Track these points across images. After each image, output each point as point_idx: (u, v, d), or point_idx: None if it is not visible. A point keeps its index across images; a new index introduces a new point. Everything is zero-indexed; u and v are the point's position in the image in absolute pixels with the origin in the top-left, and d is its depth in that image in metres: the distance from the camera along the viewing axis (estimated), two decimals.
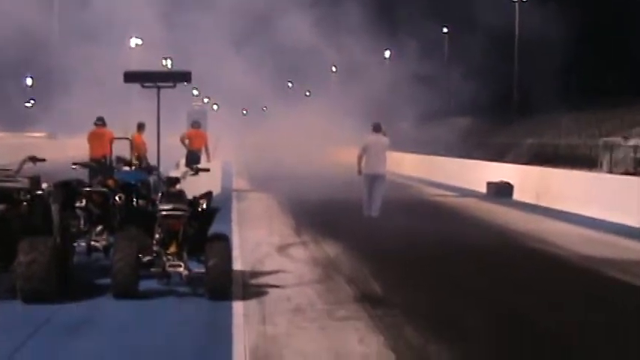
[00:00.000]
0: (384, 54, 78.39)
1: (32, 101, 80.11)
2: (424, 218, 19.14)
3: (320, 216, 18.83)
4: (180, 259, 9.51)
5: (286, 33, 54.68)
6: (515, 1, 66.71)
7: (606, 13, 59.09)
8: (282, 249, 13.60)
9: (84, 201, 11.10)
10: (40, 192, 9.76)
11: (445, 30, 77.49)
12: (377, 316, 8.85)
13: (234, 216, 18.23)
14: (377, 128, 18.73)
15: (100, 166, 16.81)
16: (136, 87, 19.97)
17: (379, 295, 10.21)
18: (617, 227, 17.79)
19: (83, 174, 14.23)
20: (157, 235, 9.65)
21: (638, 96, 52.40)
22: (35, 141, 56.00)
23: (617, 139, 43.18)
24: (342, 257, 12.94)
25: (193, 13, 53.55)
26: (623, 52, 60.54)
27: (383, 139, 18.63)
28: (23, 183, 9.62)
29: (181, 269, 9.45)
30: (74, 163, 12.72)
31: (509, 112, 67.23)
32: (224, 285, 9.36)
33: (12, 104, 68.59)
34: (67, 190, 10.81)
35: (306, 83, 72.72)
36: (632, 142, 42.09)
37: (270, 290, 10.03)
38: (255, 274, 11.19)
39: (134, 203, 11.23)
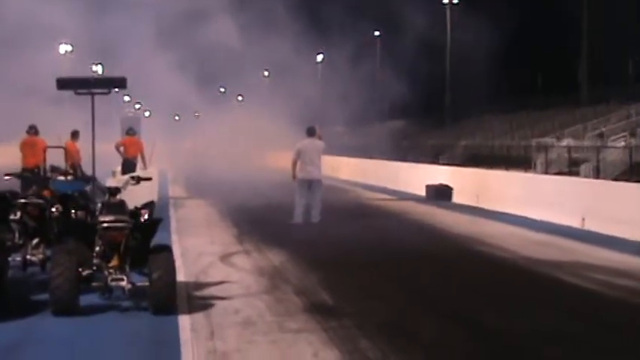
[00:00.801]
0: (316, 58, 78.43)
1: None
2: (365, 223, 18.91)
3: (260, 222, 18.50)
4: (123, 272, 9.10)
5: (216, 37, 54.23)
6: (445, 5, 67.38)
7: (534, 14, 59.73)
8: (225, 258, 13.23)
9: (18, 213, 10.60)
10: None
11: (377, 33, 77.77)
12: (330, 328, 8.56)
13: (173, 225, 17.77)
14: (311, 132, 18.43)
15: (34, 176, 16.24)
16: (67, 93, 19.37)
17: (330, 304, 9.92)
18: (558, 228, 17.81)
19: (15, 185, 13.65)
20: (97, 248, 9.21)
21: (566, 96, 53.23)
22: None
23: (550, 140, 43.68)
24: (287, 265, 12.61)
25: (121, 18, 52.71)
26: (551, 53, 61.31)
27: (318, 143, 18.35)
28: None
29: (124, 283, 9.03)
30: (7, 174, 12.16)
31: (442, 114, 67.75)
32: (169, 298, 8.98)
33: None
34: (0, 202, 10.31)
35: (238, 88, 72.19)
36: (564, 142, 42.59)
37: (216, 302, 9.68)
38: (200, 285, 10.82)
39: (72, 214, 10.74)
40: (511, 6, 59.05)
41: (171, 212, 20.77)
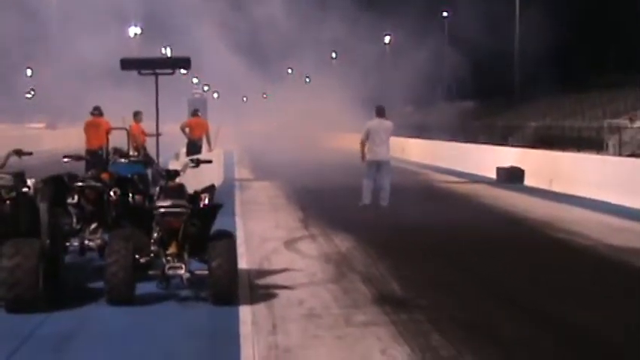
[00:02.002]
0: (383, 39, 77.64)
1: (32, 92, 79.25)
2: (436, 207, 18.28)
3: (327, 206, 18.00)
4: (181, 260, 8.60)
5: (284, 18, 53.90)
6: None
7: None
8: (290, 244, 12.71)
9: (76, 197, 10.20)
10: (25, 189, 8.89)
11: (445, 14, 76.61)
12: (400, 322, 7.98)
13: (237, 208, 17.35)
14: (380, 112, 17.79)
15: (93, 159, 15.97)
16: (132, 75, 19.04)
17: (399, 295, 9.33)
18: (637, 213, 16.95)
19: (76, 167, 13.31)
20: (154, 234, 8.75)
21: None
22: (35, 132, 55.20)
23: (623, 121, 42.33)
24: (354, 252, 12.03)
25: (192, 2, 52.77)
26: (621, 30, 59.54)
27: (386, 123, 17.72)
28: (5, 180, 8.75)
29: (182, 271, 8.53)
30: (65, 156, 11.80)
31: (511, 95, 66.40)
32: (229, 288, 8.47)
33: (13, 96, 67.91)
34: (58, 185, 9.93)
35: (305, 69, 71.96)
36: (638, 123, 41.27)
37: (279, 292, 9.16)
38: (263, 273, 10.31)
39: (130, 199, 10.29)
40: None
41: (237, 195, 20.38)
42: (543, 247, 13.07)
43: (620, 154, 34.40)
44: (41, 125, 65.43)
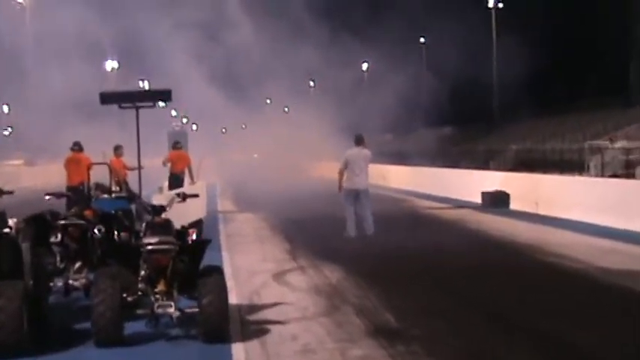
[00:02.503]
0: (361, 66, 77.86)
1: (10, 129, 78.64)
2: (423, 234, 18.11)
3: (313, 236, 17.78)
4: (170, 298, 8.35)
5: (261, 49, 53.90)
6: (490, 9, 66.49)
7: (579, 14, 58.39)
8: (279, 276, 12.48)
9: (59, 235, 9.94)
10: (6, 229, 8.63)
11: (422, 40, 77.09)
12: (397, 355, 7.78)
13: (222, 241, 17.09)
14: (359, 141, 17.62)
15: (76, 195, 15.69)
16: (114, 110, 18.78)
17: (394, 326, 9.12)
18: (626, 234, 16.85)
19: (59, 205, 13.04)
20: (142, 272, 8.50)
21: (615, 97, 51.87)
22: (13, 169, 54.64)
23: (604, 142, 42.43)
24: (345, 283, 11.82)
25: (167, 35, 52.63)
26: (598, 54, 60.02)
27: (365, 152, 17.55)
28: None
29: (172, 310, 8.28)
30: (47, 194, 11.54)
31: (490, 120, 66.70)
32: (221, 325, 8.23)
33: None
34: (40, 224, 9.68)
35: (284, 99, 72.03)
36: (618, 144, 41.36)
37: (272, 327, 8.92)
38: (253, 308, 10.08)
39: (115, 236, 10.03)
40: (559, 7, 57.95)
41: (221, 227, 20.13)
42: (534, 271, 12.92)
43: (602, 175, 34.41)
44: (19, 162, 64.88)
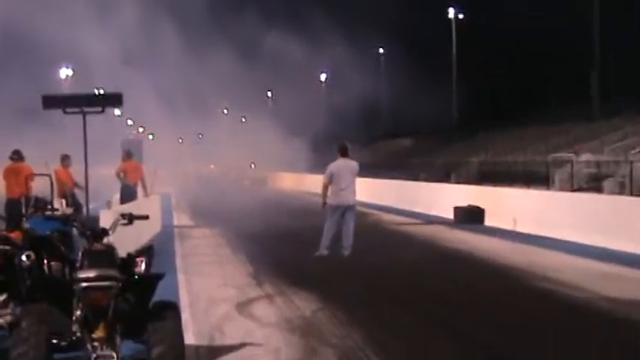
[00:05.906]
0: (319, 77, 76.73)
1: None
2: (399, 253, 16.68)
3: (278, 256, 16.12)
4: (112, 345, 6.59)
5: (219, 60, 52.52)
6: (450, 19, 65.77)
7: (546, 20, 57.71)
8: (243, 307, 10.77)
9: None
10: None
11: (381, 50, 76.22)
12: None
13: (178, 262, 15.38)
14: (344, 151, 15.93)
15: (14, 209, 13.96)
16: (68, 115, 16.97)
17: None
18: (620, 256, 15.49)
19: None
20: (77, 312, 6.76)
21: (577, 110, 51.19)
22: None
23: (568, 155, 41.46)
24: (320, 316, 10.14)
25: (125, 43, 50.94)
26: (561, 66, 59.56)
27: (351, 164, 15.91)
28: None
29: None
30: None
31: (448, 132, 65.79)
32: None
33: None
34: None
35: (241, 109, 71.03)
36: (583, 157, 40.44)
37: None
38: (215, 350, 8.37)
39: (46, 266, 8.22)
40: (519, 19, 57.27)
41: (177, 245, 18.41)
42: (531, 301, 11.38)
43: (572, 188, 33.35)
44: None
